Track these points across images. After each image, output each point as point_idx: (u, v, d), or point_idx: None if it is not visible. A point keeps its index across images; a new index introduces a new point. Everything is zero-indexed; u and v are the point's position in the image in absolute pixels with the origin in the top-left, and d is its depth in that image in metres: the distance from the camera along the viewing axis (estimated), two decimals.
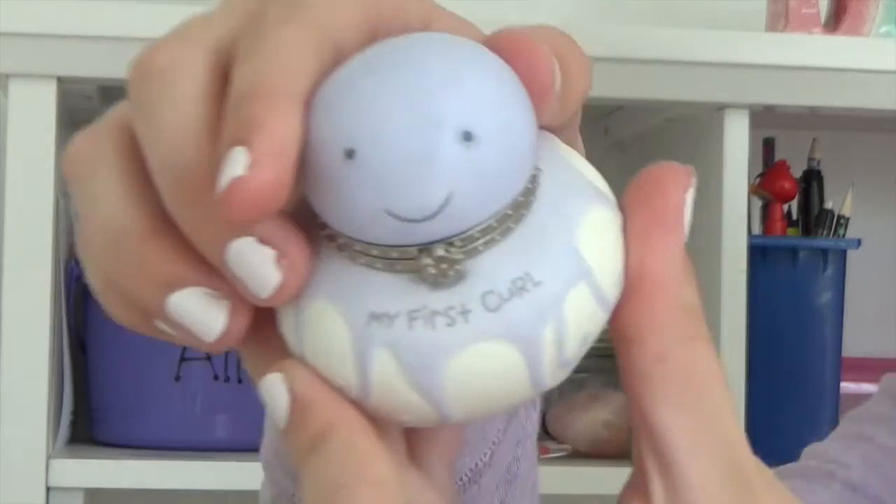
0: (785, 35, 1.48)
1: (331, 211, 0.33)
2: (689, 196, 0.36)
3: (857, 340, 1.64)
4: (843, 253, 1.54)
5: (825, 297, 1.53)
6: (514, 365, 0.33)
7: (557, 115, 0.35)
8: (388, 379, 0.33)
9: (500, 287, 0.33)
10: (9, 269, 1.32)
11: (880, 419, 0.73)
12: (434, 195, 0.32)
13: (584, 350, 0.34)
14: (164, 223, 0.35)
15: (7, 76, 1.32)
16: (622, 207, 0.35)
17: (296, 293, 0.34)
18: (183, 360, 1.41)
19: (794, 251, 1.53)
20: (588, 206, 0.34)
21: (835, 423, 1.54)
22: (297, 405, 0.34)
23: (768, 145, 1.61)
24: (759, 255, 1.48)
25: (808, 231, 1.58)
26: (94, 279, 0.37)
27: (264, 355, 0.36)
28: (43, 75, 1.32)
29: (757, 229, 1.56)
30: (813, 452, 0.73)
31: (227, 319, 0.35)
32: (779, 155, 1.60)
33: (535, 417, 0.56)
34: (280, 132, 0.32)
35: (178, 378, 1.41)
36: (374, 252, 0.33)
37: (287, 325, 0.35)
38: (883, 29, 1.54)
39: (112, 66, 1.34)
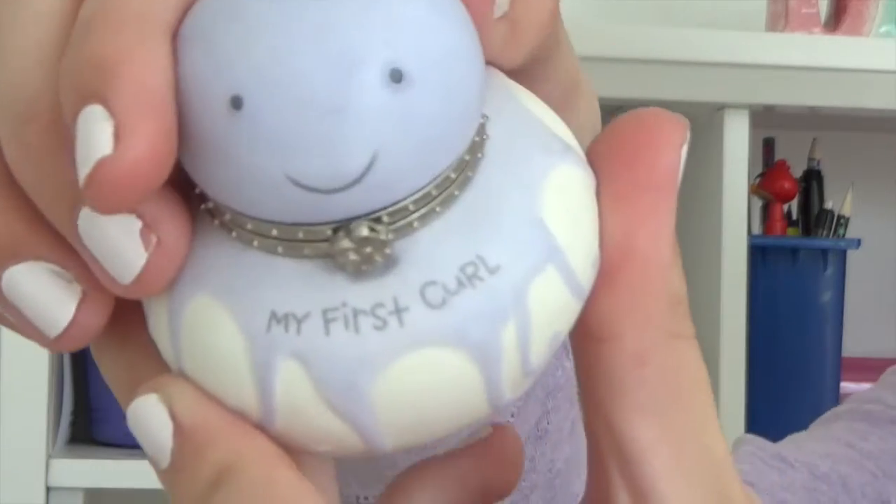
0: (785, 35, 1.48)
1: (212, 178, 0.25)
2: (684, 153, 0.27)
3: (857, 340, 1.64)
4: (843, 253, 1.54)
5: (825, 297, 1.53)
6: (466, 378, 0.25)
7: (509, 47, 0.28)
8: (297, 400, 0.25)
9: (444, 276, 0.24)
10: None
11: None
12: (354, 156, 0.23)
13: (552, 352, 0.26)
14: (10, 175, 0.27)
15: None
16: (593, 165, 0.28)
17: (166, 282, 0.25)
18: None
19: (794, 251, 1.53)
20: (553, 163, 0.26)
21: None
22: (186, 437, 0.26)
23: (768, 145, 1.61)
24: (759, 255, 1.48)
25: (808, 231, 1.58)
26: None
27: (131, 364, 0.28)
28: None
29: (757, 229, 1.56)
30: (867, 397, 0.70)
31: (77, 310, 0.27)
32: (779, 155, 1.60)
33: (569, 366, 0.49)
34: (148, 78, 0.24)
35: None
36: (274, 233, 0.25)
37: (159, 327, 0.26)
38: (883, 29, 1.54)
39: None
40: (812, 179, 1.60)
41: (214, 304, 0.25)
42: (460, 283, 0.24)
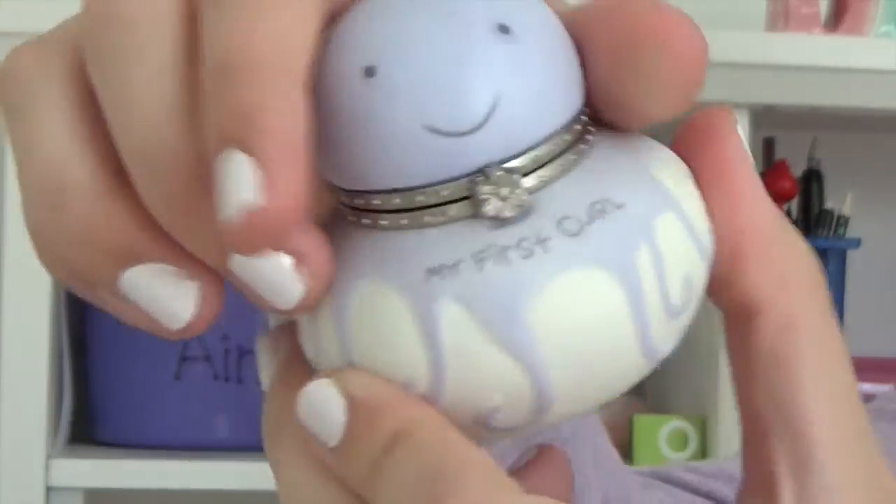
0: (785, 35, 1.48)
1: (353, 160, 0.27)
2: (742, 132, 0.30)
3: (857, 340, 1.64)
4: (843, 253, 1.54)
5: None
6: (613, 299, 0.27)
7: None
8: (464, 341, 0.27)
9: (577, 211, 0.27)
10: (9, 269, 1.32)
11: None
12: (478, 97, 0.27)
13: (690, 298, 0.28)
14: (122, 177, 0.28)
15: None
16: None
17: (321, 298, 0.28)
18: (183, 359, 1.41)
19: None
20: (655, 147, 0.30)
21: None
22: (359, 408, 0.27)
23: (768, 145, 1.61)
24: None
25: (808, 231, 1.58)
26: (33, 238, 0.29)
27: (278, 376, 0.30)
28: None
29: None
30: (893, 397, 0.70)
31: (197, 305, 0.28)
32: (779, 155, 1.60)
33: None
34: (290, 128, 0.26)
35: (178, 377, 1.41)
36: (420, 198, 0.27)
37: (319, 329, 0.29)
38: (883, 29, 1.54)
39: None
40: (812, 179, 1.60)
41: (376, 284, 0.28)
42: (591, 216, 0.27)
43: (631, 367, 0.28)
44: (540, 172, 0.28)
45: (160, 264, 0.28)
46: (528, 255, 0.27)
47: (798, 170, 1.59)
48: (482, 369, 0.27)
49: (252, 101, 0.26)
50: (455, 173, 0.27)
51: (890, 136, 1.70)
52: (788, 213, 1.59)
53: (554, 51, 0.28)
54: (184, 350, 1.40)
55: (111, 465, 1.36)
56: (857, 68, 1.43)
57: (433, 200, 0.27)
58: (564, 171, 0.28)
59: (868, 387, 1.65)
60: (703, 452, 1.42)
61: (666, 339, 0.28)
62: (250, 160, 0.25)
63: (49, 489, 1.33)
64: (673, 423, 1.42)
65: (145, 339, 1.43)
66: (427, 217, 0.28)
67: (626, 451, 1.43)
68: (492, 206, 0.27)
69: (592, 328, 0.27)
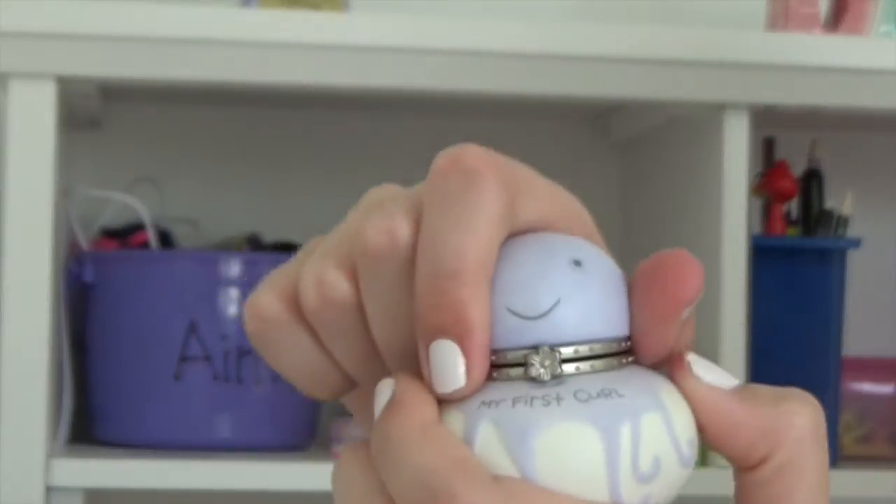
0: (785, 35, 1.48)
1: None
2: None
3: (857, 340, 1.64)
4: (843, 253, 1.54)
5: (825, 296, 1.53)
6: (594, 448, 0.39)
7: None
8: (488, 446, 0.39)
9: (590, 389, 0.40)
10: (9, 269, 1.32)
11: None
12: (545, 297, 0.40)
13: (654, 476, 0.39)
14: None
15: (7, 75, 1.33)
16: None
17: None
18: (183, 359, 1.41)
19: (794, 251, 1.53)
20: (670, 383, 0.41)
21: (835, 423, 1.54)
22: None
23: (768, 145, 1.61)
24: (759, 255, 1.48)
25: (808, 231, 1.58)
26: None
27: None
28: (42, 75, 1.32)
29: (757, 229, 1.56)
30: None
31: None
32: (779, 155, 1.60)
33: None
34: (486, 327, 0.39)
35: (178, 377, 1.41)
36: (493, 358, 0.40)
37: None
38: (883, 29, 1.54)
39: (111, 66, 1.34)
40: (812, 179, 1.60)
41: (448, 405, 0.41)
42: (598, 395, 0.40)
43: (597, 492, 0.39)
44: (577, 363, 0.40)
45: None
46: (547, 404, 0.39)
47: (798, 170, 1.59)
48: (496, 471, 0.39)
49: (464, 305, 0.39)
50: (520, 344, 0.40)
51: (890, 136, 1.70)
52: (788, 214, 1.59)
53: (608, 285, 0.41)
54: (183, 350, 1.41)
55: (111, 465, 1.36)
56: (857, 68, 1.43)
57: (501, 361, 0.40)
58: (595, 370, 0.40)
59: (868, 387, 1.65)
60: (703, 453, 1.42)
61: (631, 496, 0.39)
62: (458, 348, 0.39)
63: (49, 489, 1.33)
64: None
65: (145, 339, 1.43)
66: (494, 373, 0.40)
67: None
68: (534, 371, 0.40)
69: (576, 464, 0.39)
